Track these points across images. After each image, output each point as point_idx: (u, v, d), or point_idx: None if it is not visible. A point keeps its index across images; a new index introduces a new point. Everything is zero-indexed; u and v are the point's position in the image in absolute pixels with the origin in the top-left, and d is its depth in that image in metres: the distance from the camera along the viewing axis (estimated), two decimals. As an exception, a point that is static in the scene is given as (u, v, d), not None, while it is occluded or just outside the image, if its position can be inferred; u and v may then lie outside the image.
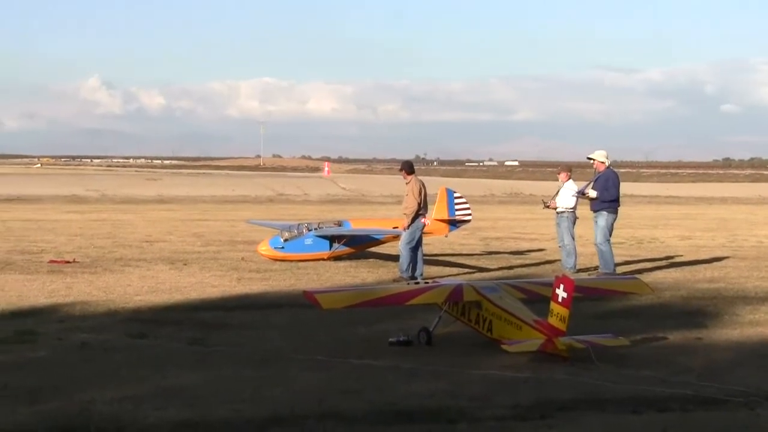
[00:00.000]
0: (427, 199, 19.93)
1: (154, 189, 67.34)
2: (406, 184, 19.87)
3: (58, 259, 21.83)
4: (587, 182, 20.59)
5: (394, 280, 18.87)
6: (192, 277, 19.29)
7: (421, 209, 19.62)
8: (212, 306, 15.74)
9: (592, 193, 20.03)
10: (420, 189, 19.59)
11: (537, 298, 12.62)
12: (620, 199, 20.41)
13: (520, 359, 11.42)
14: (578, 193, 20.42)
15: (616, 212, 20.14)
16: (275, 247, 22.47)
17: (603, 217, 19.96)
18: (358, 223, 24.70)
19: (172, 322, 14.08)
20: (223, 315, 14.85)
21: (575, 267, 20.55)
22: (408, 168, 20.09)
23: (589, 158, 20.63)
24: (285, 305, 15.79)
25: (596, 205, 20.09)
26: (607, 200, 19.97)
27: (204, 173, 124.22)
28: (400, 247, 19.67)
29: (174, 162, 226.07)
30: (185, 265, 21.42)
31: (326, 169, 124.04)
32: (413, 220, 19.48)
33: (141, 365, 11.14)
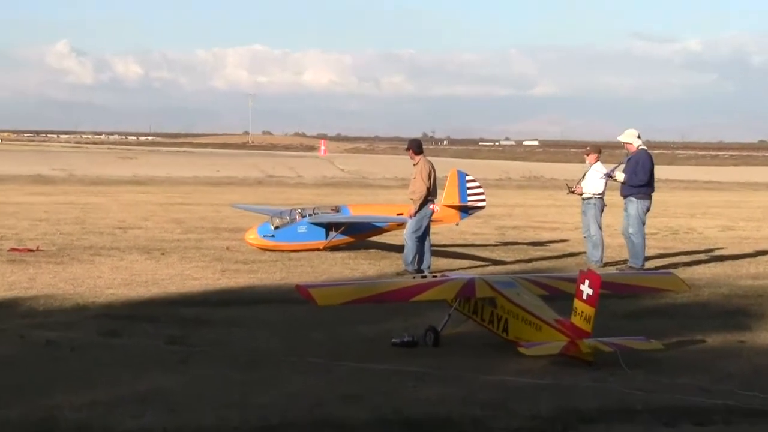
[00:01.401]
0: (437, 182, 19.90)
1: (128, 168, 67.42)
2: (414, 165, 19.84)
3: (20, 247, 21.84)
4: (617, 164, 20.61)
5: (398, 274, 18.92)
6: (171, 269, 19.34)
7: (430, 194, 19.58)
8: (193, 301, 15.79)
9: (620, 176, 19.96)
10: (429, 171, 19.53)
11: (559, 295, 12.66)
12: (654, 185, 20.32)
13: (539, 363, 11.45)
14: (606, 175, 20.41)
15: (648, 198, 20.03)
16: (264, 236, 22.50)
17: (633, 205, 19.89)
18: (358, 209, 24.69)
19: (148, 318, 14.12)
20: (205, 311, 14.89)
21: (602, 260, 20.57)
22: (416, 147, 20.06)
23: (620, 140, 20.59)
24: (275, 301, 15.85)
25: (625, 190, 20.04)
26: (636, 185, 19.88)
27: (185, 151, 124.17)
28: (405, 237, 19.67)
29: (151, 138, 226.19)
30: (163, 254, 21.47)
31: (323, 147, 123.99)
32: (421, 206, 19.46)
33: (114, 366, 11.17)
